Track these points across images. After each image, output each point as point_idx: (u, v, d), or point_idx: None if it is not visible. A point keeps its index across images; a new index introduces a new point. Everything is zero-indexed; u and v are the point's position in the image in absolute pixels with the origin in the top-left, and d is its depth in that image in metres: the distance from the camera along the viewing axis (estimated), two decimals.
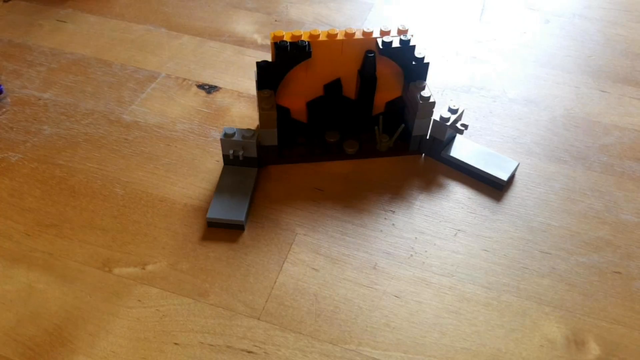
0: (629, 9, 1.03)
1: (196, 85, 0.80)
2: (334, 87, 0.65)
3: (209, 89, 0.79)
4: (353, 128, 0.70)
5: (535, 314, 0.54)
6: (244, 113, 0.75)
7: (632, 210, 0.64)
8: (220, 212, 0.59)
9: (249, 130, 0.62)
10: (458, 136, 0.69)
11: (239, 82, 0.80)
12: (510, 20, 0.97)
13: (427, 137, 0.67)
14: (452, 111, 0.65)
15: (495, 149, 0.71)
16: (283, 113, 0.66)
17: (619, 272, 0.58)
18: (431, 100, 0.63)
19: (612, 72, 0.86)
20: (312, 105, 0.67)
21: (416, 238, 0.60)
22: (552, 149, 0.71)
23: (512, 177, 0.67)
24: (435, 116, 0.65)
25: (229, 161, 0.65)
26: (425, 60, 0.63)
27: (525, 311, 0.54)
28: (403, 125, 0.67)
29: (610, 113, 0.78)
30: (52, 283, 0.55)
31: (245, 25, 0.92)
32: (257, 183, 0.65)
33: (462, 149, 0.68)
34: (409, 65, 0.64)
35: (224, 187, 0.62)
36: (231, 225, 0.60)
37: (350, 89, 0.66)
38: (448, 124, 0.63)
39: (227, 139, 0.61)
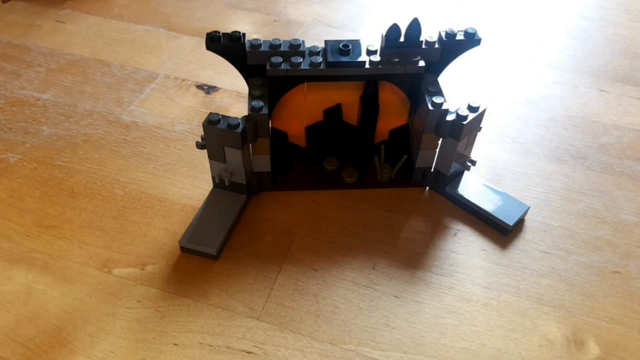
0: (629, 8, 1.03)
1: (195, 85, 0.80)
2: (333, 112, 0.62)
3: (208, 89, 0.79)
4: (353, 155, 0.66)
5: (535, 313, 0.54)
6: (243, 113, 0.75)
7: (631, 210, 0.64)
8: (194, 239, 0.57)
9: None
10: (466, 172, 0.65)
11: (238, 82, 0.80)
12: (510, 21, 0.97)
13: (432, 170, 0.64)
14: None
15: (495, 149, 0.71)
16: (280, 137, 0.63)
17: (618, 272, 0.58)
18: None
19: (611, 71, 0.86)
20: (311, 130, 0.64)
21: (416, 238, 0.60)
22: (552, 149, 0.71)
23: (520, 221, 0.62)
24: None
25: (217, 184, 0.62)
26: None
27: (524, 311, 0.54)
28: (406, 156, 0.64)
29: (609, 112, 0.78)
30: (51, 284, 0.54)
31: (244, 25, 0.92)
32: (242, 212, 0.61)
33: (468, 186, 0.63)
34: (415, 94, 0.60)
35: (205, 212, 0.60)
36: (204, 254, 0.57)
37: (352, 114, 0.62)
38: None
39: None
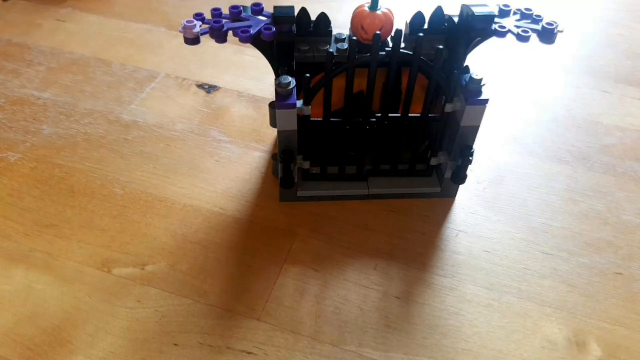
0: (630, 8, 1.02)
1: (196, 84, 0.79)
2: (356, 98, 0.60)
3: (209, 88, 0.79)
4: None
5: (537, 315, 0.54)
6: (244, 113, 0.74)
7: (633, 211, 0.64)
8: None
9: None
10: None
11: (239, 81, 0.80)
12: None
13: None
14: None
15: (496, 149, 0.71)
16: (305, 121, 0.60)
17: (620, 273, 0.58)
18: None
19: (613, 72, 0.86)
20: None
21: (417, 238, 0.60)
22: (554, 150, 0.71)
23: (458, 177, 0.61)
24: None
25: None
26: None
27: (526, 312, 0.54)
28: (427, 141, 0.64)
29: (611, 113, 0.78)
30: (51, 283, 0.54)
31: None
32: None
33: None
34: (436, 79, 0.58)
35: None
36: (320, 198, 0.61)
37: (374, 101, 0.61)
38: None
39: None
